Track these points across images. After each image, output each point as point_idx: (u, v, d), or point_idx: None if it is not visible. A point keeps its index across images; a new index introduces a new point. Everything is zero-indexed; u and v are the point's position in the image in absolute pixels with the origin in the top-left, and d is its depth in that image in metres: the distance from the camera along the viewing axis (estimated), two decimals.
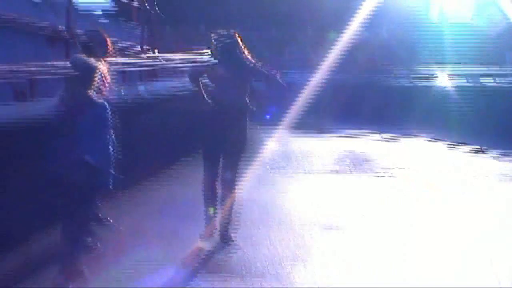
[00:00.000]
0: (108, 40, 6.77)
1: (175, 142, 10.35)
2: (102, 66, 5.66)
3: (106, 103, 5.29)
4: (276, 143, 14.04)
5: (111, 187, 5.32)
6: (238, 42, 6.71)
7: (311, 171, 10.95)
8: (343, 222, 7.45)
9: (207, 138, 6.73)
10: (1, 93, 8.86)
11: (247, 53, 6.73)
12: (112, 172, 5.30)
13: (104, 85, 5.69)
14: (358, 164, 11.85)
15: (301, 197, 8.89)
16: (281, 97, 7.03)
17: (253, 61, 6.72)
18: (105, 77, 5.76)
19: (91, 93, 5.21)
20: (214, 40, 6.77)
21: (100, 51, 6.44)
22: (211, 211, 6.67)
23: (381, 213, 8.09)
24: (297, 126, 18.03)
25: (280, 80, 6.74)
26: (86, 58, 5.44)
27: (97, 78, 5.27)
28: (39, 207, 5.97)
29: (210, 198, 6.69)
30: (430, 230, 7.38)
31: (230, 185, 6.65)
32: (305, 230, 7.08)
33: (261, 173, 10.25)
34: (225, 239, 6.57)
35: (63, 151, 5.09)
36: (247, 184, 7.33)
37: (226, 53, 6.67)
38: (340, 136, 17.39)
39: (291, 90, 8.45)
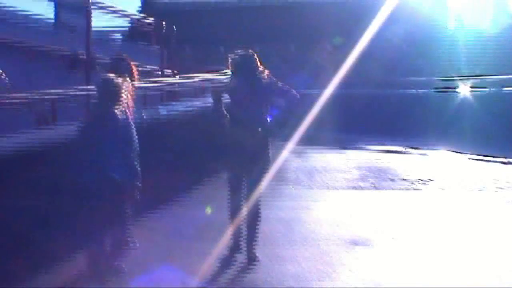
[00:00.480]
0: (133, 66, 6.85)
1: (197, 162, 10.36)
2: (128, 85, 5.71)
3: (130, 120, 5.34)
4: (297, 158, 14.01)
5: (137, 199, 5.38)
6: (253, 58, 6.76)
7: (334, 187, 10.88)
8: (369, 238, 7.38)
9: (229, 157, 6.76)
10: (24, 120, 8.94)
11: (264, 71, 6.76)
12: (138, 185, 5.36)
13: (129, 103, 5.74)
14: (382, 178, 11.76)
15: (325, 213, 8.83)
16: (298, 111, 7.08)
17: (271, 77, 6.75)
18: (129, 95, 5.81)
19: (116, 110, 5.26)
20: (230, 57, 6.85)
21: (125, 76, 6.50)
22: (237, 229, 6.69)
23: (407, 228, 8.00)
24: (318, 141, 18.04)
25: (297, 96, 6.75)
26: (112, 76, 5.50)
27: (122, 96, 5.33)
28: (68, 222, 6.01)
29: (236, 216, 6.69)
30: (457, 242, 7.29)
31: (254, 203, 6.63)
32: (331, 246, 7.03)
33: (284, 190, 10.25)
34: (251, 257, 6.54)
35: (89, 167, 5.16)
36: (271, 201, 7.32)
37: (241, 67, 6.76)
38: (362, 150, 17.28)
39: (308, 103, 8.47)
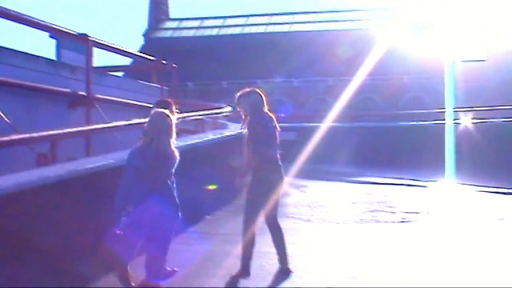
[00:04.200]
0: (174, 107, 7.12)
1: (195, 199, 10.37)
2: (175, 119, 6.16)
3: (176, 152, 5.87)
4: (298, 192, 14.01)
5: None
6: (263, 99, 7.11)
7: (335, 221, 10.86)
8: (369, 273, 7.35)
9: (264, 192, 6.96)
10: (24, 159, 9.02)
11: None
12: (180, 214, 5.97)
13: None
14: (382, 211, 11.76)
15: (326, 247, 8.82)
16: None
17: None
18: None
19: (171, 142, 5.82)
20: (241, 97, 7.10)
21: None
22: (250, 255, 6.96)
23: (406, 261, 7.97)
24: (319, 174, 18.07)
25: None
26: (166, 112, 6.00)
27: (174, 129, 5.88)
28: None
29: (253, 244, 6.95)
30: (454, 275, 7.27)
31: (277, 224, 7.11)
32: (332, 280, 7.01)
33: (285, 225, 10.20)
34: (286, 271, 7.02)
35: (153, 197, 5.71)
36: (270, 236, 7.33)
37: (259, 105, 7.05)
38: (363, 183, 17.30)
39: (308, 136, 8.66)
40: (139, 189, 5.68)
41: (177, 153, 5.88)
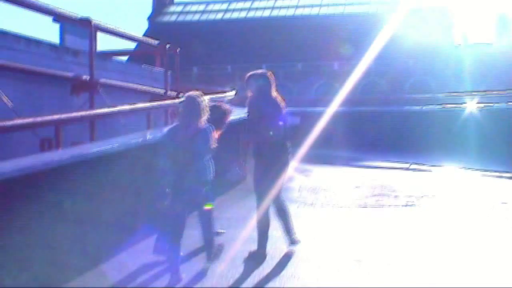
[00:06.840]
0: (227, 111, 7.71)
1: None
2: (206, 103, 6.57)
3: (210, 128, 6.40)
4: (302, 176, 14.00)
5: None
6: (271, 82, 7.22)
7: (338, 205, 10.86)
8: (373, 256, 7.37)
9: (265, 175, 7.09)
10: (28, 143, 9.03)
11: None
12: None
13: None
14: (386, 195, 11.74)
15: (330, 231, 8.84)
16: None
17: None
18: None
19: (202, 123, 6.34)
20: (250, 77, 7.24)
21: (221, 122, 7.49)
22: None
23: (410, 245, 7.98)
24: (323, 159, 18.05)
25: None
26: (197, 94, 6.48)
27: (204, 112, 6.38)
28: None
29: (268, 227, 7.22)
30: (456, 260, 7.27)
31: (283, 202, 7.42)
32: (335, 264, 7.03)
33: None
34: (295, 242, 7.42)
35: (187, 175, 6.23)
36: (276, 221, 7.37)
37: (262, 93, 7.16)
38: (367, 167, 17.28)
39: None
40: (172, 167, 6.18)
41: (208, 133, 6.32)
